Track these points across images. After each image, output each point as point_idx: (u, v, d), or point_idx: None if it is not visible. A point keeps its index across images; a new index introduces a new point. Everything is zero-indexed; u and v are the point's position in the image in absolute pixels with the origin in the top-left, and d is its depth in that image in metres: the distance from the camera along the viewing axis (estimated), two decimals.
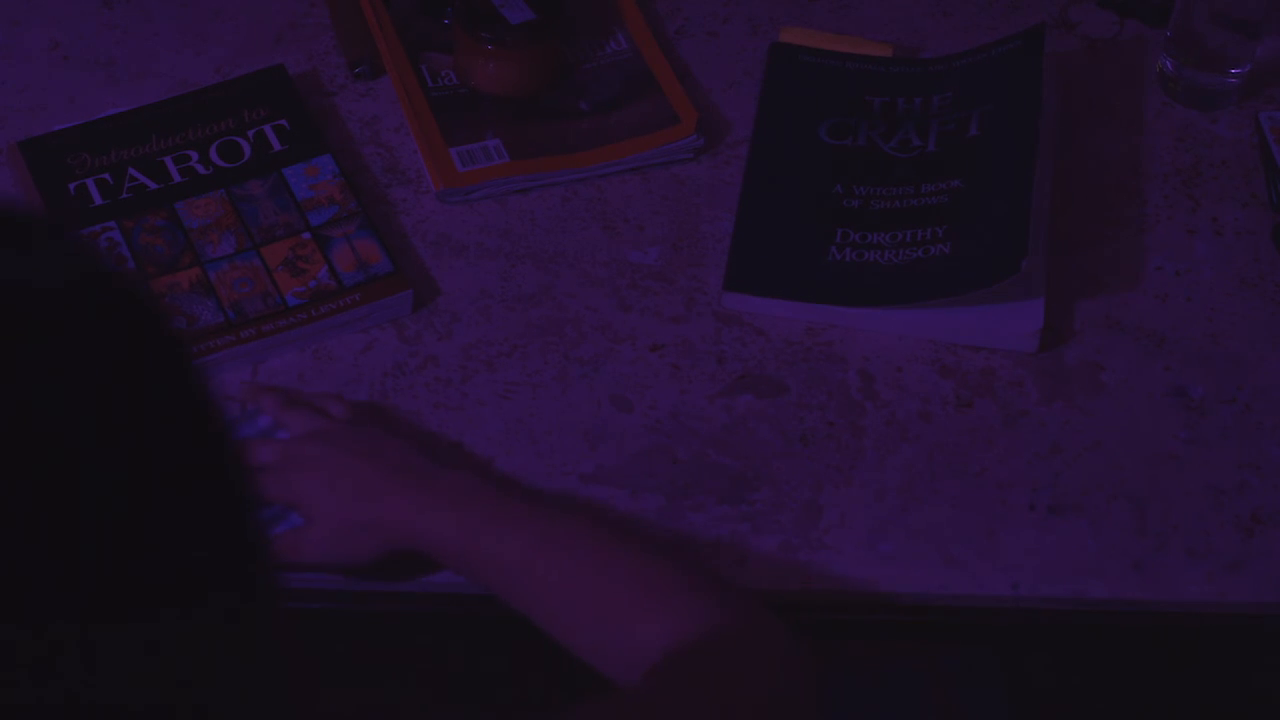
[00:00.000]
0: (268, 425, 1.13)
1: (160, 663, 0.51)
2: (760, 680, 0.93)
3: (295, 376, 1.20)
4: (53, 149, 1.29)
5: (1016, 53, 1.36)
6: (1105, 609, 1.13)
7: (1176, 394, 1.22)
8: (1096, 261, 1.30)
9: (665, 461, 1.17)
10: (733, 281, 1.25)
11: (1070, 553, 1.14)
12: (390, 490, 1.04)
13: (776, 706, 0.93)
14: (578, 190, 1.33)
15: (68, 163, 1.29)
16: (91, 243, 0.56)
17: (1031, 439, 1.19)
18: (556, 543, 1.01)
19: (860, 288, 1.25)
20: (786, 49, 1.41)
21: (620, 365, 1.22)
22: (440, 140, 1.33)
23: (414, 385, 1.20)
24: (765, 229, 1.28)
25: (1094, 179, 1.35)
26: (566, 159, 1.33)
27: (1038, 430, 1.20)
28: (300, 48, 1.41)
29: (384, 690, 1.29)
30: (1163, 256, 1.30)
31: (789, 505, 1.15)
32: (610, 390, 1.21)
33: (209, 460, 0.53)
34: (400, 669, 1.30)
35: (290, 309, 1.22)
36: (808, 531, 1.14)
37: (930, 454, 1.18)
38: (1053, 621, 1.14)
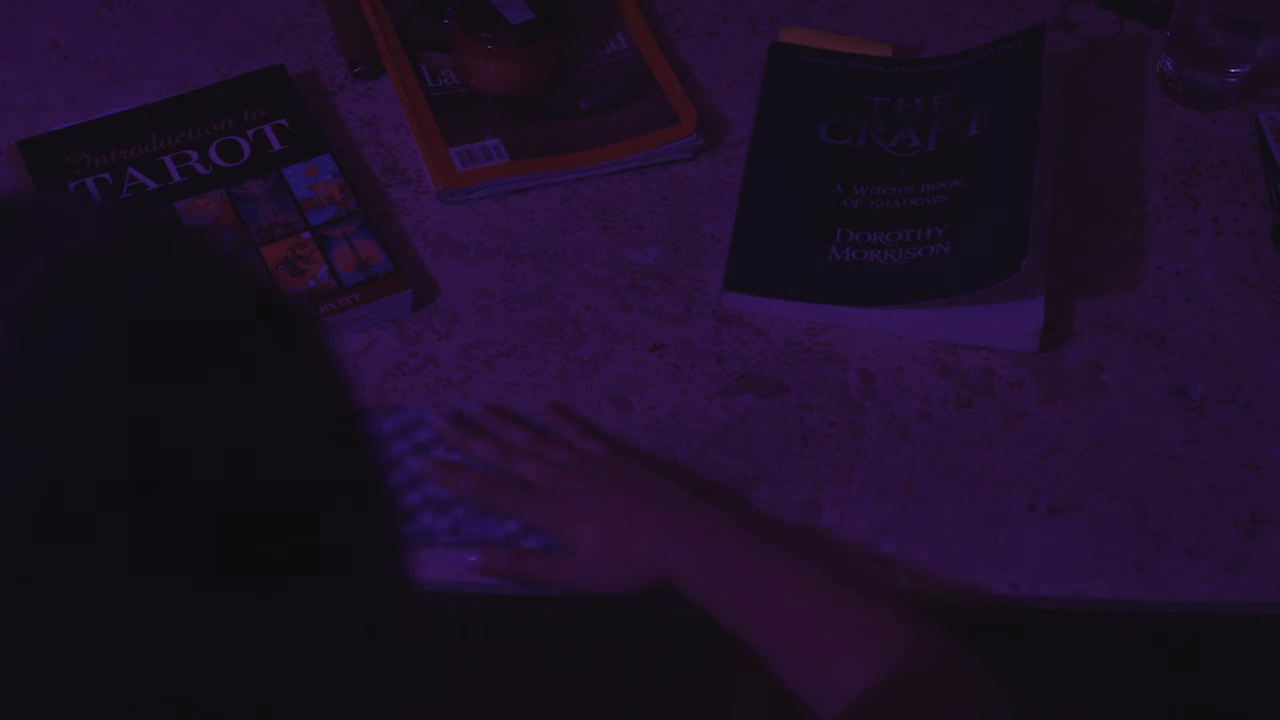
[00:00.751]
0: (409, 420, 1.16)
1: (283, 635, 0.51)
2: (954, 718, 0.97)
3: None
4: (53, 149, 1.29)
5: (1016, 53, 1.36)
6: (1105, 609, 1.13)
7: (1176, 394, 1.22)
8: (1096, 261, 1.30)
9: (665, 462, 1.17)
10: (733, 281, 1.25)
11: (1070, 553, 1.14)
12: (646, 523, 1.07)
13: None
14: (578, 190, 1.33)
15: (67, 162, 1.29)
16: (245, 257, 0.57)
17: (1031, 439, 1.19)
18: (774, 575, 1.04)
19: (860, 288, 1.25)
20: (786, 49, 1.41)
21: (620, 365, 1.22)
22: (440, 140, 1.33)
23: (414, 385, 1.20)
24: (765, 229, 1.28)
25: (1094, 179, 1.35)
26: (566, 159, 1.33)
27: (1038, 430, 1.20)
28: (300, 47, 1.41)
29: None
30: (1163, 256, 1.30)
31: (789, 505, 1.15)
32: (610, 390, 1.21)
33: (355, 459, 0.55)
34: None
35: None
36: (808, 532, 1.14)
37: (930, 454, 1.18)
38: (1053, 621, 1.14)
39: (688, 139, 1.34)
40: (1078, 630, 1.16)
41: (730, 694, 1.27)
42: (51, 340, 0.48)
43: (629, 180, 1.34)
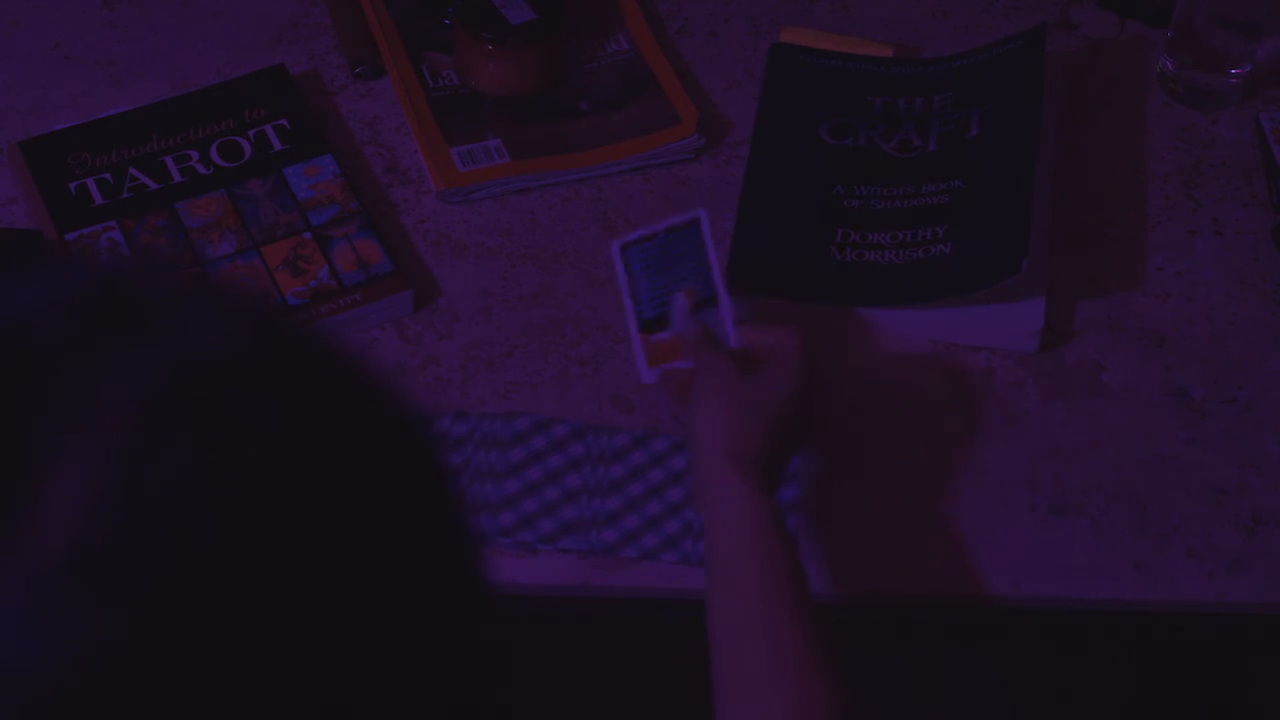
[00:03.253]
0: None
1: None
2: None
3: None
4: (53, 149, 1.30)
5: (1017, 53, 1.36)
6: (1105, 609, 1.13)
7: (1176, 394, 1.22)
8: (1096, 261, 1.30)
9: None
10: (733, 281, 1.25)
11: (1070, 553, 1.14)
12: (742, 444, 1.06)
13: None
14: (578, 190, 1.33)
15: (68, 162, 1.29)
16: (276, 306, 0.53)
17: (1032, 439, 1.19)
18: (728, 575, 1.02)
19: (860, 288, 1.25)
20: (787, 49, 1.41)
21: (621, 365, 1.22)
22: (441, 140, 1.33)
23: (415, 385, 1.20)
24: (766, 229, 1.28)
25: (1094, 179, 1.35)
26: (567, 159, 1.33)
27: (1038, 430, 1.20)
28: (301, 48, 1.41)
29: None
30: (1163, 256, 1.31)
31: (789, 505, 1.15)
32: (611, 390, 1.21)
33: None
34: None
35: (291, 309, 1.22)
36: (808, 532, 1.14)
37: (931, 454, 1.18)
38: (1053, 621, 1.14)
39: (688, 139, 1.34)
40: (1078, 630, 1.16)
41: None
42: (150, 470, 0.44)
43: (630, 180, 1.34)
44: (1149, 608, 1.13)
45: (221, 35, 1.42)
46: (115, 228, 1.25)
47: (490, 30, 1.35)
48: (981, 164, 1.30)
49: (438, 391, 1.20)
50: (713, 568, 1.03)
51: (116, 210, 1.26)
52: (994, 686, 1.37)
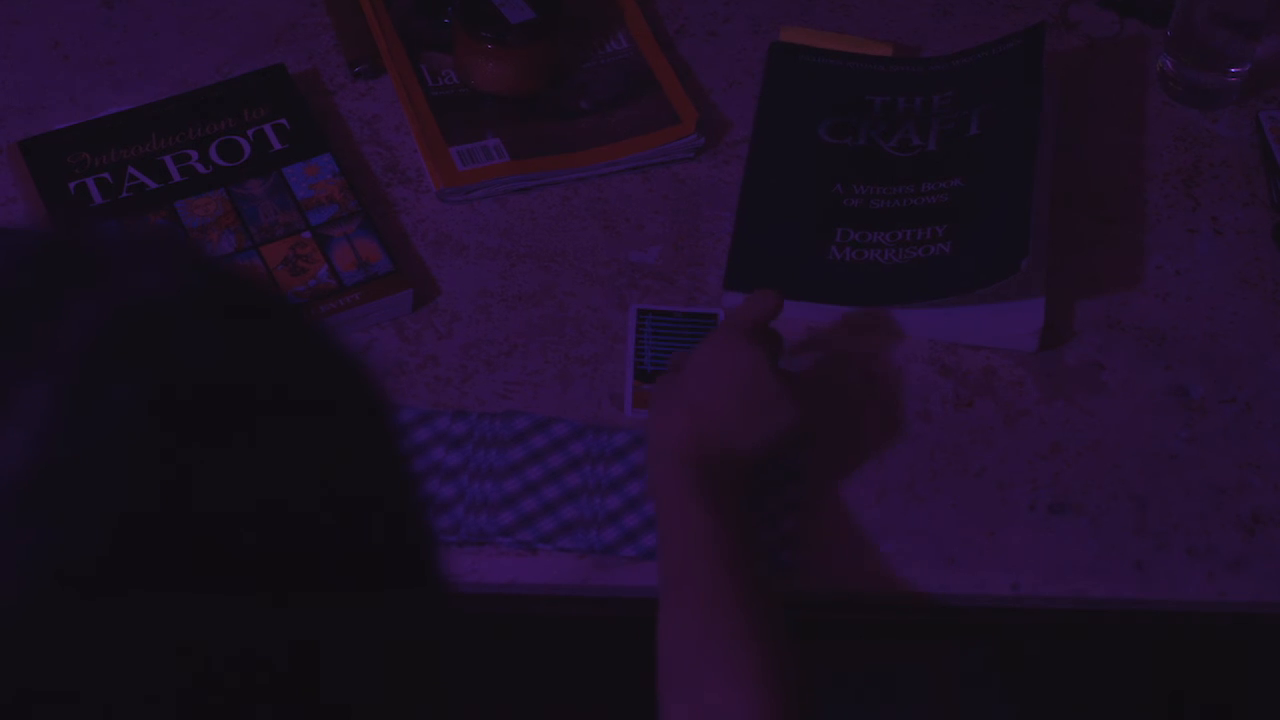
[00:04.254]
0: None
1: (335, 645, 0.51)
2: None
3: None
4: (53, 148, 1.29)
5: (1016, 52, 1.36)
6: (1105, 608, 1.13)
7: (1176, 394, 1.22)
8: (1096, 261, 1.30)
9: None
10: (733, 281, 1.25)
11: (1070, 552, 1.14)
12: (691, 451, 1.07)
13: None
14: (578, 190, 1.33)
15: (68, 162, 1.29)
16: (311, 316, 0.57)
17: (1031, 438, 1.19)
18: (685, 587, 1.03)
19: (860, 287, 1.25)
20: (787, 48, 1.41)
21: (620, 365, 1.22)
22: (440, 139, 1.33)
23: (414, 384, 1.20)
24: (765, 228, 1.28)
25: (1094, 179, 1.35)
26: (567, 158, 1.33)
27: (1038, 430, 1.20)
28: (300, 47, 1.41)
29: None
30: (1163, 256, 1.30)
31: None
32: (610, 390, 1.21)
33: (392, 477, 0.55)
34: None
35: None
36: (808, 531, 1.14)
37: (930, 454, 1.18)
38: (1053, 621, 1.14)
39: (688, 138, 1.34)
40: (1078, 630, 1.16)
41: None
42: (100, 401, 0.47)
43: (629, 180, 1.34)
44: (1149, 607, 1.13)
45: (221, 35, 1.42)
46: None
47: (490, 29, 1.35)
48: (981, 163, 1.30)
49: (437, 391, 1.20)
50: (662, 577, 1.04)
51: (116, 210, 1.26)
52: (994, 686, 1.37)
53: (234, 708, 0.49)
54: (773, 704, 0.97)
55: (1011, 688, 1.36)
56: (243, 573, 0.48)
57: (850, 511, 1.15)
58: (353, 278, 1.24)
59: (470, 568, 1.11)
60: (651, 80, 1.39)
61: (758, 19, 1.45)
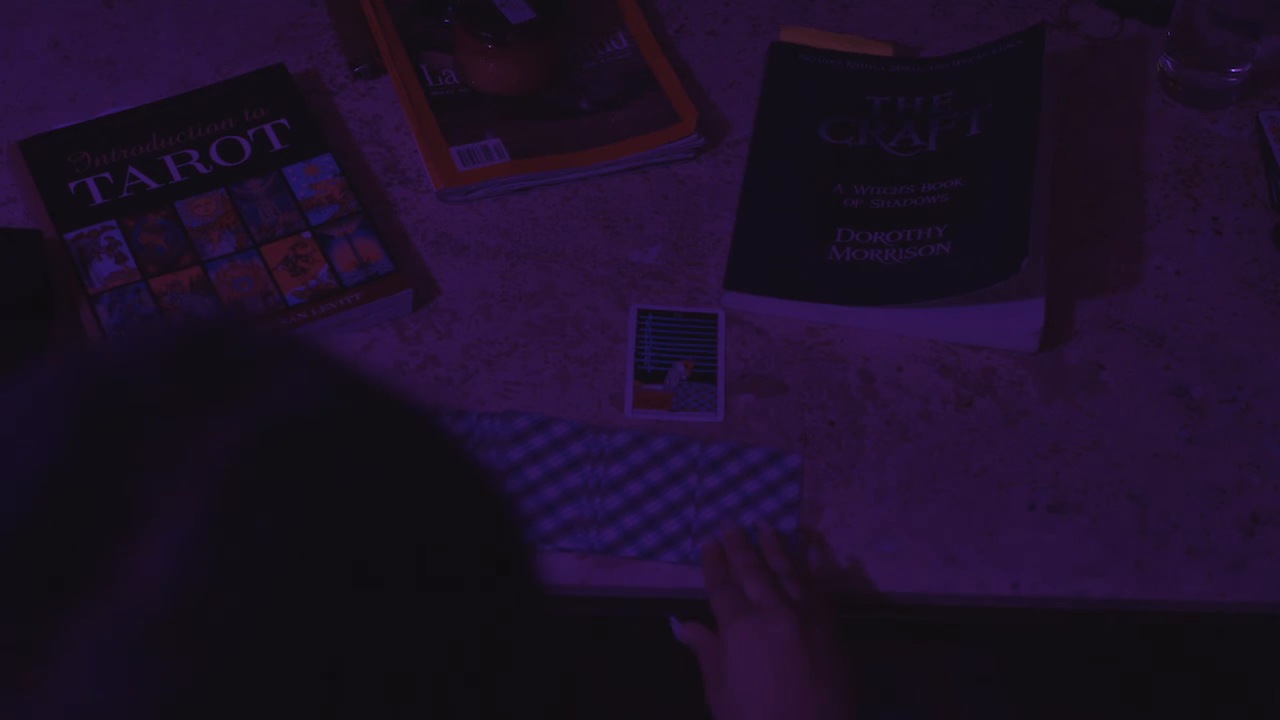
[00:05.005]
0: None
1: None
2: None
3: None
4: (53, 148, 1.29)
5: (1017, 52, 1.36)
6: (1106, 609, 1.13)
7: (1176, 393, 1.22)
8: (1096, 261, 1.30)
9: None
10: (733, 281, 1.25)
11: (1071, 552, 1.14)
12: (817, 685, 1.03)
13: None
14: (578, 190, 1.33)
15: (68, 162, 1.29)
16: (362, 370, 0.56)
17: (1031, 438, 1.19)
18: None
19: (860, 287, 1.25)
20: (787, 48, 1.41)
21: (620, 365, 1.22)
22: (440, 139, 1.33)
23: (414, 385, 1.20)
24: (765, 228, 1.28)
25: (1094, 179, 1.35)
26: (567, 158, 1.33)
27: (1038, 430, 1.20)
28: (300, 47, 1.41)
29: None
30: (1163, 256, 1.31)
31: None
32: (610, 390, 1.21)
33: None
34: None
35: (290, 308, 1.22)
36: (808, 531, 1.14)
37: (930, 453, 1.18)
38: (1053, 621, 1.14)
39: (688, 138, 1.34)
40: (1078, 630, 1.16)
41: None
42: (244, 528, 0.45)
43: (629, 180, 1.34)
44: (1149, 607, 1.13)
45: (221, 35, 1.42)
46: (115, 227, 1.25)
47: (490, 29, 1.35)
48: (981, 163, 1.30)
49: (437, 391, 1.20)
50: None
51: (116, 209, 1.26)
52: (994, 686, 1.37)
53: None
54: None
55: (1011, 688, 1.36)
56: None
57: (850, 511, 1.15)
58: (353, 278, 1.24)
59: None
60: (651, 80, 1.39)
61: (758, 19, 1.45)
